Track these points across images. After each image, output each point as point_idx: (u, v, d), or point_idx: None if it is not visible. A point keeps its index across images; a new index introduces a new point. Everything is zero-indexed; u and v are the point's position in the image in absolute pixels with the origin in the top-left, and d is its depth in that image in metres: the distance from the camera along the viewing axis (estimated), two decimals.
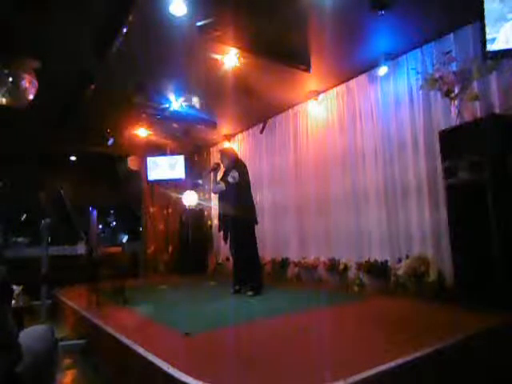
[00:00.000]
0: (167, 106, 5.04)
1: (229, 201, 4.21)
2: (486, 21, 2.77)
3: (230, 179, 4.22)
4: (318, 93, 4.93)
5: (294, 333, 2.56)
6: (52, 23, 3.20)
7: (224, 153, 4.51)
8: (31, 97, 3.55)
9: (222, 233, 4.38)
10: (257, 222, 4.30)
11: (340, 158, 4.67)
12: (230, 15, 3.17)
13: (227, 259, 6.39)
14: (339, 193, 4.64)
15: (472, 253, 2.90)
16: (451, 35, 3.53)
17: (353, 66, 4.26)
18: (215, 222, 7.24)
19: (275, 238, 5.57)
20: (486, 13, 2.78)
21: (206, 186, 7.42)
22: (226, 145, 6.70)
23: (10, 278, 1.37)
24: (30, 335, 1.54)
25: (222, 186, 4.29)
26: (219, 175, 4.50)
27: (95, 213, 4.19)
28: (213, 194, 7.00)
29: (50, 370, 1.60)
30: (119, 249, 5.70)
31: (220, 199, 4.42)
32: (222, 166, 4.48)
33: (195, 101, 4.91)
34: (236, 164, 4.34)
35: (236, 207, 4.12)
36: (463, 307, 2.79)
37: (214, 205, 7.21)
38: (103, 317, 3.21)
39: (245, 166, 4.37)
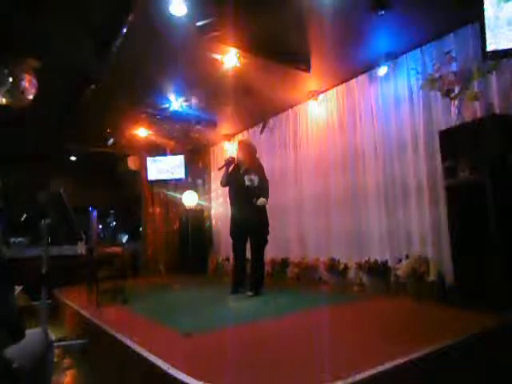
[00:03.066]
0: (167, 106, 5.04)
1: (242, 202, 4.10)
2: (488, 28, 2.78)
3: (247, 182, 4.08)
4: (317, 93, 4.93)
5: (294, 333, 2.56)
6: (52, 23, 3.20)
7: (243, 146, 4.33)
8: (31, 97, 3.55)
9: (232, 234, 4.27)
10: (268, 225, 4.21)
11: (340, 157, 4.66)
12: (230, 15, 3.17)
13: (227, 259, 6.39)
14: (339, 193, 4.64)
15: (472, 253, 2.90)
16: (451, 35, 3.53)
17: (353, 66, 4.26)
18: (215, 223, 7.26)
19: (275, 238, 5.53)
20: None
21: (206, 186, 7.43)
22: (226, 144, 6.72)
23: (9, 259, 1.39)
24: (26, 338, 1.55)
25: (246, 182, 4.07)
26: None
27: (95, 213, 4.19)
28: (221, 195, 6.99)
29: (45, 371, 1.61)
30: (119, 249, 5.70)
31: (234, 202, 4.26)
32: (235, 159, 4.28)
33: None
34: (254, 165, 4.20)
35: (253, 211, 4.02)
36: (463, 307, 2.79)
37: (216, 205, 7.22)
38: (103, 317, 3.22)
39: (263, 169, 4.24)
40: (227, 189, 4.37)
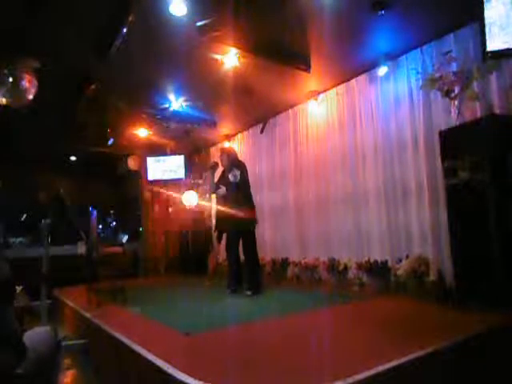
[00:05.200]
0: (167, 106, 5.04)
1: (230, 200, 4.20)
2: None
3: (231, 178, 4.22)
4: (318, 93, 4.93)
5: (294, 333, 2.56)
6: (52, 23, 3.20)
7: (224, 152, 4.52)
8: (31, 97, 3.55)
9: (216, 233, 4.49)
10: (257, 222, 4.35)
11: (340, 157, 4.66)
12: (229, 15, 3.17)
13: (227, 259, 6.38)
14: (339, 193, 4.64)
15: (472, 253, 2.90)
16: (451, 35, 3.53)
17: (353, 65, 4.26)
18: (214, 221, 7.26)
19: (275, 238, 5.57)
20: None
21: (206, 186, 7.42)
22: (226, 144, 6.72)
23: (13, 276, 1.38)
24: (34, 336, 1.54)
25: (223, 190, 4.27)
26: (217, 175, 4.51)
27: (95, 213, 4.19)
28: (214, 194, 7.03)
29: (53, 370, 1.60)
30: (119, 249, 5.69)
31: (220, 201, 4.40)
32: (220, 165, 4.50)
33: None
34: (237, 163, 4.34)
35: (238, 207, 4.11)
36: (463, 307, 2.79)
37: (213, 205, 7.22)
38: (103, 317, 3.21)
39: (245, 166, 4.38)
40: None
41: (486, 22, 2.81)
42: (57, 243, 5.54)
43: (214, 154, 7.24)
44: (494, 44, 2.79)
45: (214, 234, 6.88)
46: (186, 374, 1.75)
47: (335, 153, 4.73)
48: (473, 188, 2.91)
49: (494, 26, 2.79)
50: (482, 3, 2.79)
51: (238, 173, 4.20)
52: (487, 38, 2.80)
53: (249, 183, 4.34)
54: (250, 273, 4.15)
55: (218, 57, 3.83)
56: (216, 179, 4.46)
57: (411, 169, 3.86)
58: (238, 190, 4.18)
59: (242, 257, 4.31)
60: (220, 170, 4.55)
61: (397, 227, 3.98)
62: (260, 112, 5.54)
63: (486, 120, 3.02)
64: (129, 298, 4.01)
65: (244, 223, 4.14)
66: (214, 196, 4.73)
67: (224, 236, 4.49)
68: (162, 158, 6.94)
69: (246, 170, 4.34)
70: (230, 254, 4.35)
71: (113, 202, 8.17)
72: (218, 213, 4.46)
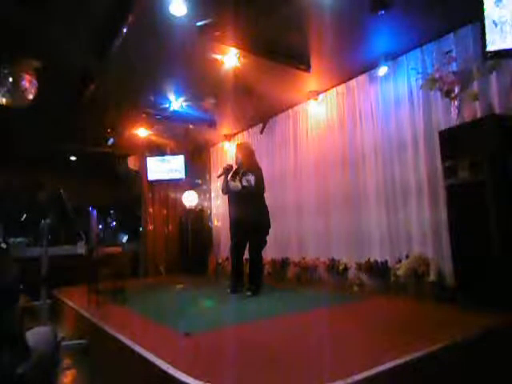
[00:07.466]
0: (167, 105, 5.04)
1: (242, 205, 4.12)
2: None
3: (244, 183, 4.10)
4: (317, 93, 4.93)
5: (294, 333, 2.56)
6: (52, 23, 3.19)
7: (240, 149, 4.40)
8: (31, 97, 3.55)
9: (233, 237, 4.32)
10: (269, 227, 4.24)
11: (340, 157, 4.66)
12: (229, 15, 3.17)
13: (227, 259, 6.38)
14: (339, 193, 4.63)
15: (472, 252, 2.90)
16: (451, 35, 3.53)
17: (353, 66, 4.26)
18: (215, 223, 7.26)
19: (275, 237, 5.55)
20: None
21: (206, 186, 7.43)
22: (226, 145, 6.72)
23: (21, 278, 1.40)
24: (34, 336, 1.54)
25: (237, 185, 4.14)
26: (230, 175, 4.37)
27: (95, 213, 4.19)
28: (221, 195, 7.00)
29: (53, 370, 1.61)
30: (119, 249, 5.69)
31: (231, 202, 4.32)
32: (234, 164, 4.38)
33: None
34: (252, 166, 4.22)
35: (250, 212, 4.04)
36: (463, 307, 2.80)
37: (216, 205, 7.22)
38: (103, 317, 3.21)
39: (260, 170, 4.27)
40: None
41: (497, 20, 2.78)
42: (57, 243, 5.55)
43: (215, 154, 7.27)
44: (505, 43, 2.77)
45: (219, 234, 6.89)
46: (186, 374, 1.75)
47: (335, 153, 4.73)
48: (473, 188, 2.91)
49: (505, 24, 2.76)
50: (482, 2, 2.79)
51: (251, 178, 4.09)
52: (498, 36, 2.78)
53: (263, 188, 4.24)
54: (251, 273, 4.14)
55: (218, 57, 3.83)
56: (229, 178, 4.31)
57: (411, 169, 3.86)
58: (250, 196, 4.09)
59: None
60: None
61: (397, 227, 3.98)
62: (260, 112, 5.53)
63: (486, 120, 3.02)
64: (129, 298, 4.01)
65: (252, 229, 4.07)
66: (225, 197, 4.59)
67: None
68: (162, 157, 6.94)
69: (261, 174, 4.23)
70: (233, 255, 4.30)
71: (113, 202, 8.16)
72: (230, 216, 4.34)
